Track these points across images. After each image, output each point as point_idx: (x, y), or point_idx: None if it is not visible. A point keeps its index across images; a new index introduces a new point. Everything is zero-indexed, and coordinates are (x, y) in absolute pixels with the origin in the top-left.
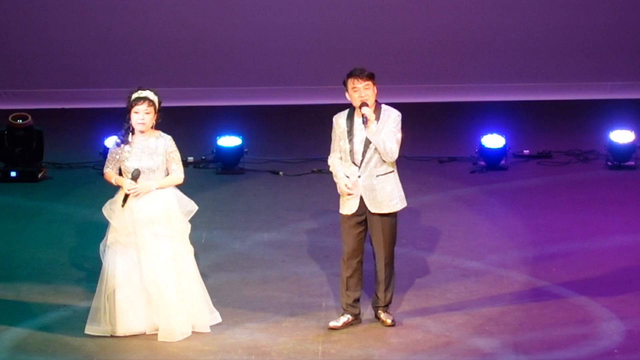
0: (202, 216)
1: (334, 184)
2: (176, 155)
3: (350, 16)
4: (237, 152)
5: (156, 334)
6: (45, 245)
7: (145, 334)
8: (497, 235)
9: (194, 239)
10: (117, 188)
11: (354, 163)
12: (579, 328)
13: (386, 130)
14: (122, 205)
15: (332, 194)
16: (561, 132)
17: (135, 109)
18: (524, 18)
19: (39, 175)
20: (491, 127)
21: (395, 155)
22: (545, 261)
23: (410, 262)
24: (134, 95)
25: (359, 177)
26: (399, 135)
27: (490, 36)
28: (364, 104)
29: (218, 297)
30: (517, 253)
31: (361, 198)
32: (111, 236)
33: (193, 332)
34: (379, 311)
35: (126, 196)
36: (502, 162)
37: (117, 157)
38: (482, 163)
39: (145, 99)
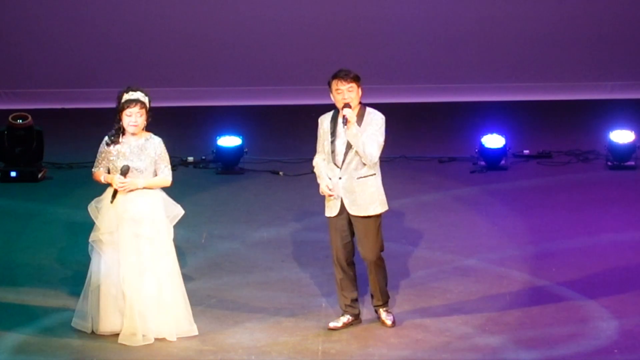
0: (202, 216)
1: None
2: (165, 157)
3: (351, 16)
4: (237, 152)
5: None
6: (45, 246)
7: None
8: (497, 235)
9: (193, 238)
10: (106, 187)
11: (335, 164)
12: (579, 328)
13: (368, 133)
14: (112, 202)
15: None
16: (561, 132)
17: (127, 111)
18: (524, 18)
19: (39, 175)
20: (491, 127)
21: (375, 159)
22: (545, 261)
23: (410, 262)
24: (125, 97)
25: (340, 178)
26: (381, 139)
27: (490, 36)
28: (346, 106)
29: (218, 297)
30: (517, 253)
31: (342, 200)
32: (93, 234)
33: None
34: (379, 310)
35: (115, 192)
36: (502, 162)
37: (106, 156)
38: (482, 163)
39: (137, 101)
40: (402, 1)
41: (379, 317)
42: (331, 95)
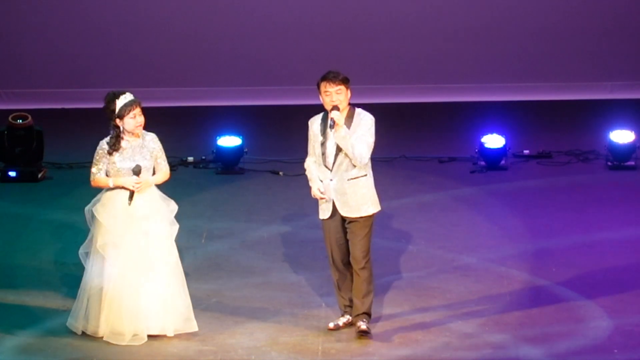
0: (202, 216)
1: None
2: (162, 152)
3: (351, 16)
4: (237, 152)
5: (155, 335)
6: (45, 246)
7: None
8: (497, 235)
9: (194, 238)
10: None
11: (326, 167)
12: (579, 327)
13: (357, 134)
14: (129, 203)
15: None
16: (561, 132)
17: (130, 114)
18: (524, 18)
19: (39, 175)
20: (491, 127)
21: (365, 160)
22: (545, 261)
23: (411, 262)
24: (120, 102)
25: (331, 180)
26: (371, 140)
27: (490, 36)
28: (334, 108)
29: (218, 297)
30: (517, 253)
31: (334, 202)
32: (100, 239)
33: (186, 333)
34: (358, 321)
35: (132, 193)
36: (502, 162)
37: (108, 162)
38: (482, 163)
39: (134, 102)
40: (402, 1)
41: (356, 326)
42: (320, 97)
